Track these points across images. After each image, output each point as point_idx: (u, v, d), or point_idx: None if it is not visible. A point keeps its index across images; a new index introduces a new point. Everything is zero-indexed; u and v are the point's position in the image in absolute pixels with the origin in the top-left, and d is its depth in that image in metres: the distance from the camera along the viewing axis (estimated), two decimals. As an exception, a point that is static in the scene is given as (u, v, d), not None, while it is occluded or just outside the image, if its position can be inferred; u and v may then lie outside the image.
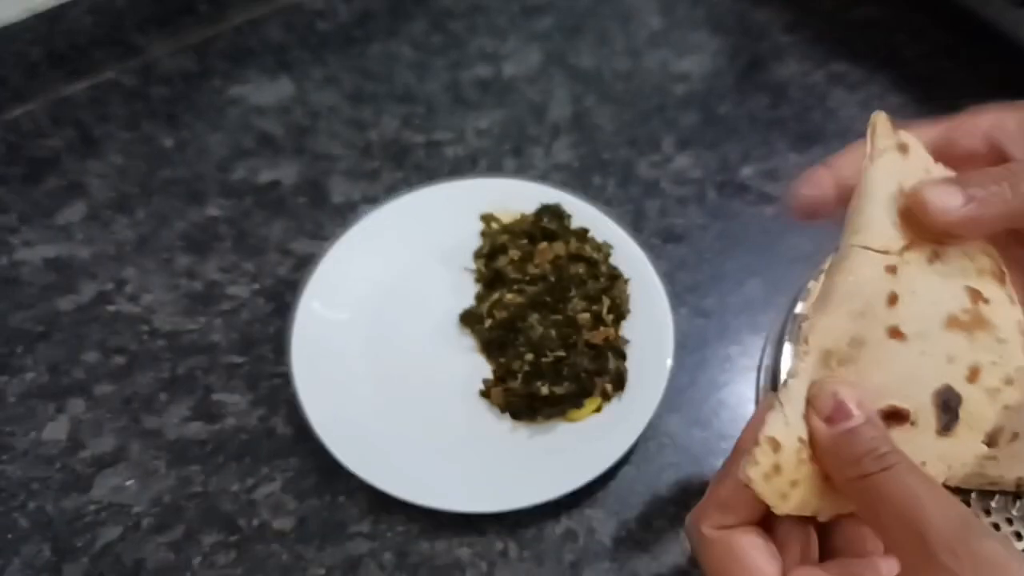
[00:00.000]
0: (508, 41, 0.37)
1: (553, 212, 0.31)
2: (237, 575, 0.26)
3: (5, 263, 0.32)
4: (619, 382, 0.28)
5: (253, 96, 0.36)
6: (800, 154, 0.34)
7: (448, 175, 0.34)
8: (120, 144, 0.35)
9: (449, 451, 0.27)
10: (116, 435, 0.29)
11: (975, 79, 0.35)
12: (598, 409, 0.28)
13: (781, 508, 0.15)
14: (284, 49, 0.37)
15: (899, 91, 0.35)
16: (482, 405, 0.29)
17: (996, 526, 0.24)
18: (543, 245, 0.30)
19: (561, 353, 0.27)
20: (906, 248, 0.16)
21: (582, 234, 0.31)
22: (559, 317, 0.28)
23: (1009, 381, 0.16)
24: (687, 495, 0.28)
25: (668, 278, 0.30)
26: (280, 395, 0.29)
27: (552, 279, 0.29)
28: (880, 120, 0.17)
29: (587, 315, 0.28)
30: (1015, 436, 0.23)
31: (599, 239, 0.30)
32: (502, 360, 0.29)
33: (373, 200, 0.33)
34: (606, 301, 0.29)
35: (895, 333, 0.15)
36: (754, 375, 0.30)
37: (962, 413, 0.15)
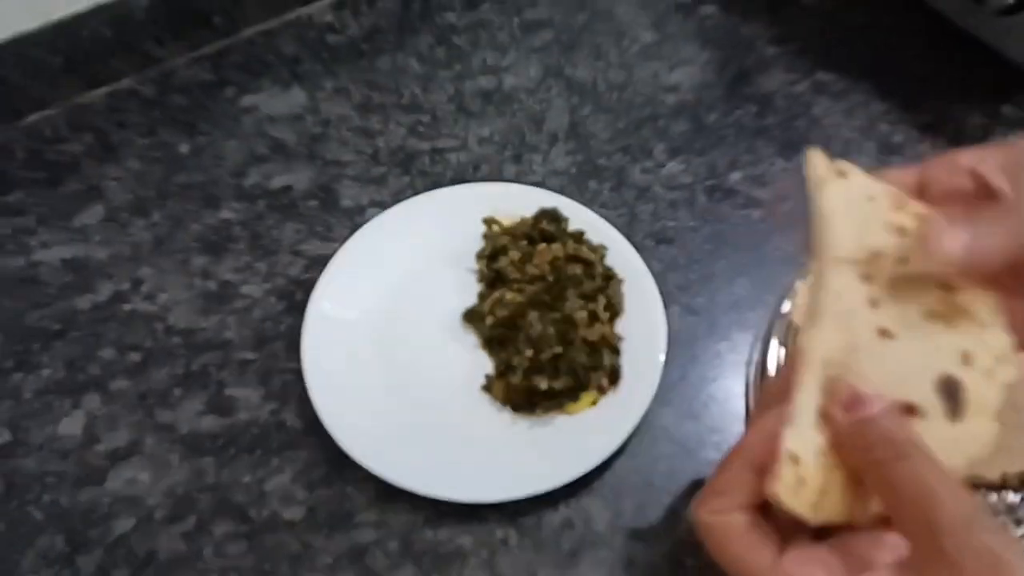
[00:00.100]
0: (509, 55, 0.37)
1: (551, 215, 0.31)
2: (247, 565, 0.26)
3: (23, 263, 0.32)
4: (614, 377, 0.28)
5: (266, 105, 0.36)
6: (786, 160, 0.34)
7: (452, 181, 0.34)
8: (137, 150, 0.35)
9: (452, 443, 0.27)
10: (131, 429, 0.28)
11: (958, 88, 0.35)
12: (594, 403, 0.28)
13: (815, 519, 0.15)
14: (296, 61, 0.37)
15: (882, 99, 0.35)
16: (484, 399, 0.28)
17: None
18: (542, 247, 0.30)
19: (559, 349, 0.27)
20: (874, 256, 0.16)
21: (579, 236, 0.30)
22: (557, 315, 0.28)
23: (1000, 359, 0.16)
24: (680, 485, 0.27)
25: (660, 278, 0.30)
26: (291, 390, 0.29)
27: (550, 279, 0.29)
28: (814, 155, 0.17)
29: (584, 313, 0.28)
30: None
31: (595, 241, 0.30)
32: (503, 356, 0.28)
33: (381, 204, 0.33)
34: (602, 300, 0.29)
35: (884, 333, 0.15)
36: (743, 370, 0.30)
37: (967, 397, 0.15)
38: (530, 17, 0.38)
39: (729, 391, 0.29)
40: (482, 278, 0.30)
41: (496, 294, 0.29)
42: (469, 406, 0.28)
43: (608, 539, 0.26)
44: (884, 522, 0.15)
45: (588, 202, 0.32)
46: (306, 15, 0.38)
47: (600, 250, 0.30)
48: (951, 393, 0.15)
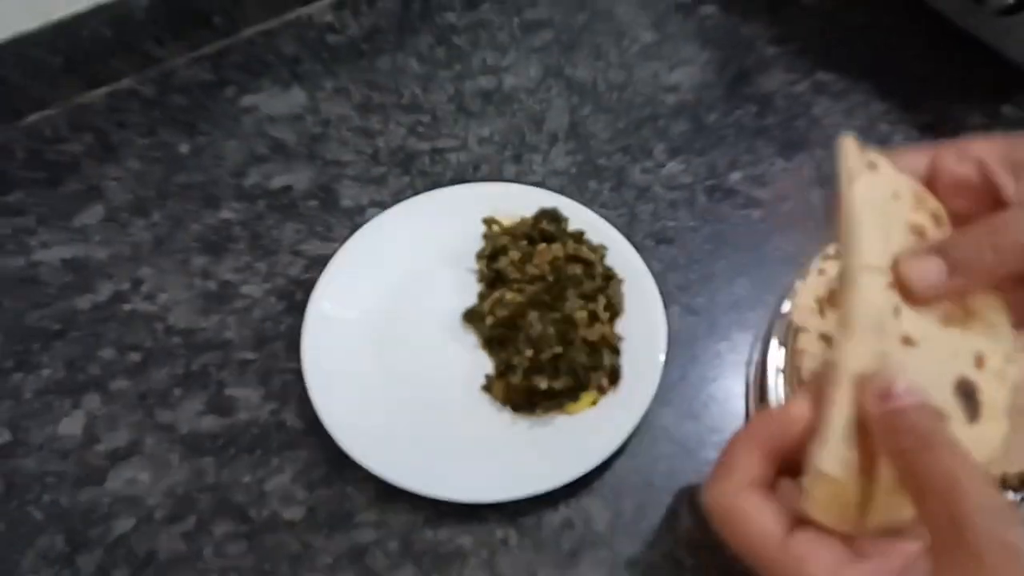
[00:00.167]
0: (509, 55, 0.37)
1: (551, 215, 0.31)
2: (247, 564, 0.26)
3: (23, 264, 0.32)
4: (614, 377, 0.28)
5: (266, 105, 0.36)
6: (786, 160, 0.34)
7: (452, 181, 0.33)
8: (137, 150, 0.35)
9: (452, 443, 0.27)
10: (131, 429, 0.28)
11: (958, 87, 0.35)
12: (594, 403, 0.28)
13: (860, 531, 0.14)
14: (296, 61, 0.37)
15: (882, 99, 0.35)
16: (484, 399, 0.28)
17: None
18: (542, 247, 0.30)
19: (559, 349, 0.27)
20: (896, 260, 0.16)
21: (579, 236, 0.30)
22: (557, 315, 0.28)
23: (1008, 359, 0.16)
24: (679, 485, 0.27)
25: (660, 278, 0.29)
26: (291, 390, 0.29)
27: (550, 279, 0.29)
28: (847, 143, 0.17)
29: (584, 313, 0.28)
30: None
31: (595, 241, 0.30)
32: (503, 356, 0.28)
33: (381, 204, 0.33)
34: (602, 300, 0.29)
35: (907, 341, 0.15)
36: (743, 370, 0.29)
37: (981, 399, 0.15)
38: (530, 17, 0.38)
39: (729, 391, 0.29)
40: (482, 278, 0.30)
41: (496, 294, 0.29)
42: (469, 406, 0.28)
43: (608, 539, 0.26)
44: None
45: (588, 202, 0.32)
46: (306, 15, 0.38)
47: (600, 250, 0.30)
48: (968, 396, 0.15)
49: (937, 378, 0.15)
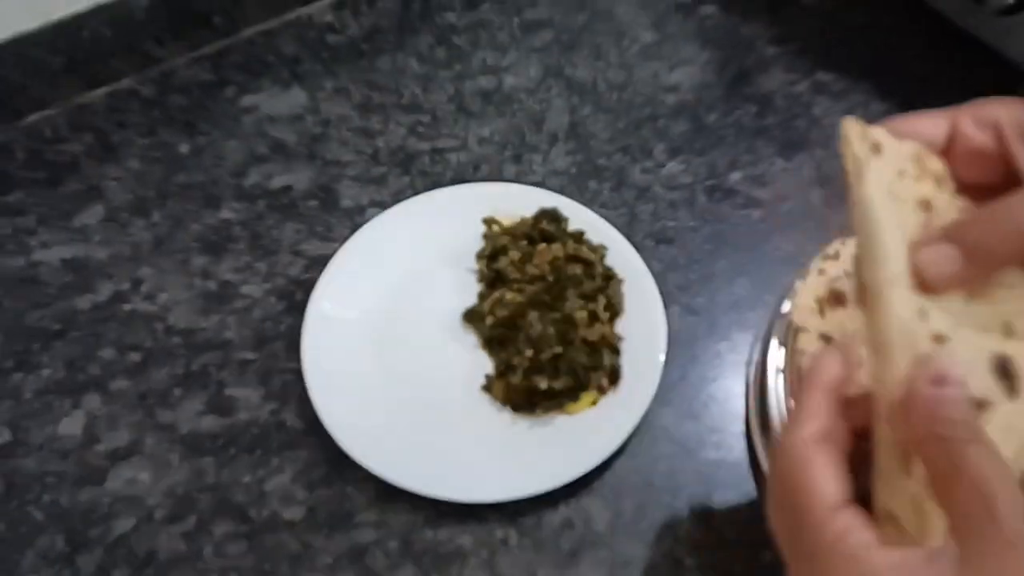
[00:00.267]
0: (509, 55, 0.37)
1: (551, 215, 0.31)
2: (247, 565, 0.26)
3: (23, 264, 0.32)
4: (614, 377, 0.28)
5: (266, 105, 0.36)
6: (786, 160, 0.34)
7: (452, 181, 0.33)
8: (137, 150, 0.35)
9: (452, 443, 0.27)
10: (131, 429, 0.28)
11: (958, 87, 0.35)
12: (594, 403, 0.28)
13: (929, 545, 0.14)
14: (296, 61, 0.37)
15: (882, 99, 0.35)
16: (484, 399, 0.28)
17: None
18: (542, 247, 0.30)
19: (559, 349, 0.27)
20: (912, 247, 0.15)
21: (579, 236, 0.30)
22: (557, 315, 0.28)
23: None
24: (679, 485, 0.27)
25: (660, 278, 0.29)
26: (291, 390, 0.29)
27: (550, 279, 0.29)
28: (850, 127, 0.16)
29: (584, 313, 0.28)
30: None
31: (595, 241, 0.30)
32: (503, 356, 0.28)
33: (381, 204, 0.33)
34: (602, 300, 0.29)
35: (938, 338, 0.15)
36: (743, 370, 0.29)
37: (1018, 371, 0.15)
38: (530, 17, 0.38)
39: (729, 391, 0.29)
40: (482, 278, 0.30)
41: (496, 294, 0.29)
42: (469, 406, 0.28)
43: (608, 539, 0.26)
44: None
45: (588, 202, 0.32)
46: (306, 15, 0.38)
47: (600, 250, 0.30)
48: (1005, 372, 0.15)
49: (974, 364, 0.15)
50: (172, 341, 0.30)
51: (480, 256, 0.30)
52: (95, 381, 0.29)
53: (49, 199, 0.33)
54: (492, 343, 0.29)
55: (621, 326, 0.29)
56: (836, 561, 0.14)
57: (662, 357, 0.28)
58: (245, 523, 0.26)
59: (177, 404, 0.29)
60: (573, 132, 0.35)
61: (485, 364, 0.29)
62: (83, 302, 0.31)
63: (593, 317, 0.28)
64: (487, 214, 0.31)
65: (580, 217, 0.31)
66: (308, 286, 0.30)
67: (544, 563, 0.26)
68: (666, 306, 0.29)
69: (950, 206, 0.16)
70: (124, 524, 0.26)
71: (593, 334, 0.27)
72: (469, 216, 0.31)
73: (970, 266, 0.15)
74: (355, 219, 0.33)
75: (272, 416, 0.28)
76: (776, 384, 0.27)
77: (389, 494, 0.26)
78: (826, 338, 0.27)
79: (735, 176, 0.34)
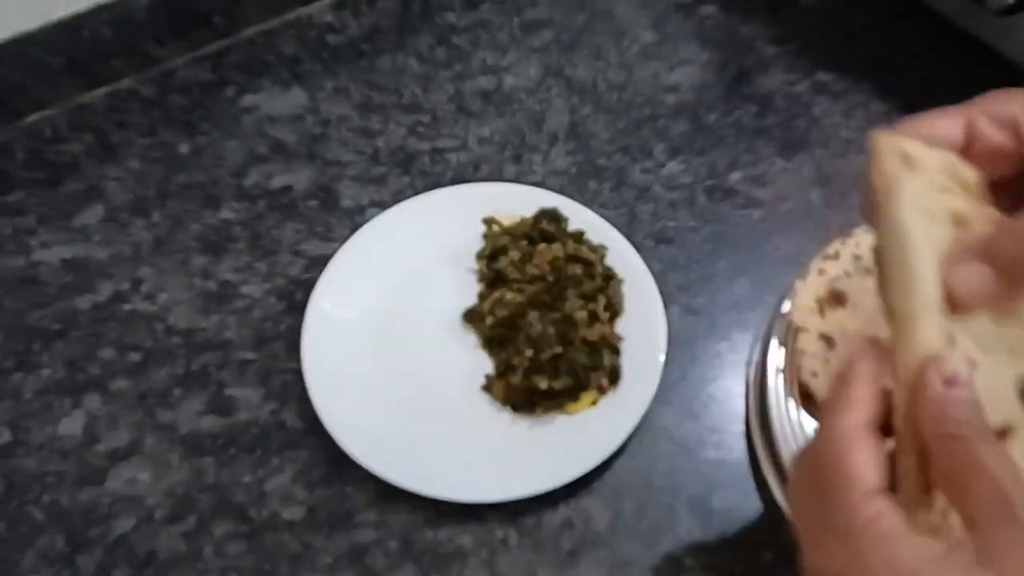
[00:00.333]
0: (509, 55, 0.37)
1: (551, 215, 0.31)
2: (247, 565, 0.26)
3: (23, 264, 0.32)
4: (614, 377, 0.28)
5: (266, 105, 0.36)
6: (786, 160, 0.34)
7: (452, 181, 0.33)
8: (137, 150, 0.35)
9: (452, 443, 0.27)
10: (131, 429, 0.28)
11: (958, 87, 0.35)
12: (594, 403, 0.28)
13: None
14: (296, 61, 0.37)
15: (882, 99, 0.35)
16: (484, 399, 0.28)
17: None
18: (542, 247, 0.30)
19: (559, 349, 0.27)
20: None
21: (579, 236, 0.30)
22: (557, 315, 0.28)
23: None
24: (679, 485, 0.27)
25: (660, 278, 0.29)
26: (291, 390, 0.29)
27: (550, 279, 0.29)
28: (882, 143, 0.15)
29: (584, 313, 0.28)
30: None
31: (595, 241, 0.30)
32: (503, 356, 0.28)
33: (381, 204, 0.33)
34: (602, 300, 0.28)
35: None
36: (743, 370, 0.29)
37: None
38: (530, 17, 0.38)
39: (729, 391, 0.29)
40: (482, 278, 0.30)
41: (496, 294, 0.29)
42: (469, 406, 0.28)
43: (608, 539, 0.26)
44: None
45: (588, 202, 0.32)
46: (306, 15, 0.38)
47: (600, 250, 0.30)
48: None
49: (1002, 388, 0.15)
50: (172, 341, 0.30)
51: (480, 256, 0.30)
52: (95, 381, 0.29)
53: (49, 199, 0.33)
54: (492, 343, 0.29)
55: (621, 326, 0.29)
56: (867, 541, 0.14)
57: (662, 357, 0.28)
58: (245, 523, 0.26)
59: (177, 404, 0.29)
60: (573, 132, 0.35)
61: (485, 364, 0.29)
62: (83, 302, 0.31)
63: (593, 317, 0.28)
64: (487, 214, 0.31)
65: (580, 217, 0.31)
66: (308, 286, 0.30)
67: (544, 563, 0.26)
68: (666, 306, 0.29)
69: (983, 217, 0.16)
70: (124, 524, 0.26)
71: (593, 334, 0.27)
72: (469, 216, 0.31)
73: (1003, 283, 0.15)
74: (355, 219, 0.33)
75: (272, 416, 0.28)
76: (776, 384, 0.27)
77: (389, 494, 0.26)
78: (826, 338, 0.27)
79: (735, 176, 0.34)
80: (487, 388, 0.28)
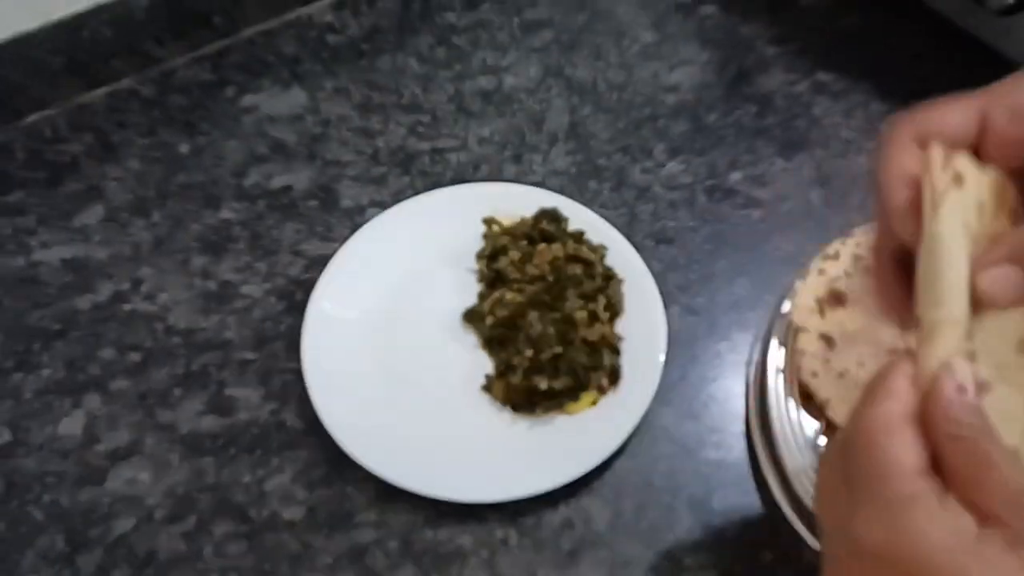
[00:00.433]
0: (509, 55, 0.37)
1: (551, 215, 0.31)
2: (247, 564, 0.26)
3: (23, 264, 0.32)
4: (614, 377, 0.28)
5: (266, 105, 0.36)
6: (786, 160, 0.34)
7: (452, 181, 0.33)
8: (137, 150, 0.35)
9: (452, 443, 0.27)
10: (131, 429, 0.28)
11: (958, 88, 0.35)
12: (594, 403, 0.28)
13: None
14: (296, 61, 0.37)
15: (882, 99, 0.35)
16: (484, 399, 0.28)
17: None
18: (542, 247, 0.30)
19: (559, 349, 0.27)
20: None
21: (579, 236, 0.30)
22: (557, 315, 0.28)
23: None
24: (679, 485, 0.27)
25: (660, 278, 0.29)
26: (291, 390, 0.29)
27: (550, 279, 0.29)
28: (935, 158, 0.15)
29: (584, 313, 0.28)
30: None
31: (595, 241, 0.30)
32: (503, 356, 0.28)
33: (381, 204, 0.33)
34: (602, 300, 0.29)
35: (982, 387, 0.15)
36: (743, 370, 0.29)
37: None
38: (530, 17, 0.38)
39: (729, 391, 0.29)
40: (482, 278, 0.30)
41: (496, 294, 0.29)
42: (469, 406, 0.28)
43: (608, 539, 0.26)
44: None
45: (588, 202, 0.32)
46: (306, 15, 0.38)
47: (600, 250, 0.30)
48: None
49: (1015, 414, 0.15)
50: (172, 341, 0.30)
51: (480, 256, 0.30)
52: (95, 381, 0.29)
53: (49, 199, 0.33)
54: (492, 343, 0.29)
55: (621, 326, 0.29)
56: (914, 511, 0.14)
57: (662, 357, 0.28)
58: (245, 523, 0.26)
59: (177, 404, 0.29)
60: (573, 132, 0.35)
61: (485, 364, 0.29)
62: (83, 302, 0.31)
63: (593, 317, 0.28)
64: (487, 214, 0.31)
65: (580, 217, 0.31)
66: (308, 286, 0.30)
67: (544, 563, 0.26)
68: (666, 306, 0.29)
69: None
70: (124, 524, 0.26)
71: (593, 334, 0.27)
72: (469, 216, 0.31)
73: None
74: (355, 219, 0.33)
75: (272, 416, 0.28)
76: (776, 384, 0.27)
77: (389, 494, 0.26)
78: (826, 338, 0.27)
79: (735, 176, 0.34)
80: (487, 388, 0.28)
